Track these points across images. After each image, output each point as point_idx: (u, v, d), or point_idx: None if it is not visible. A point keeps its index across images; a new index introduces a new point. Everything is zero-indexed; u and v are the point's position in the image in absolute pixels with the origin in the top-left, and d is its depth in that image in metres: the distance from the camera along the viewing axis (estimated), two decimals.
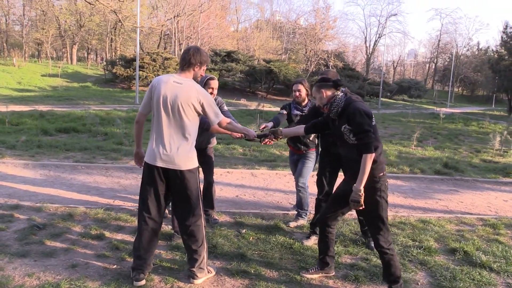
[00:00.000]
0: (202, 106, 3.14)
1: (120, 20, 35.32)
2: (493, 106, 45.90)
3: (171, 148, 3.12)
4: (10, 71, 31.27)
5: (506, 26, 34.13)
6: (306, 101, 4.78)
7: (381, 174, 3.17)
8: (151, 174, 3.20)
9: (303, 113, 4.72)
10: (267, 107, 23.42)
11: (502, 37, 35.01)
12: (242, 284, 3.38)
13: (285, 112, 4.85)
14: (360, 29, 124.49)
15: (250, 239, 4.29)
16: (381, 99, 36.50)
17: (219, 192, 6.26)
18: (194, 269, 3.30)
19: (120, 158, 8.28)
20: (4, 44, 43.28)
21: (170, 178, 3.20)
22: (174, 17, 38.48)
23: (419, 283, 3.57)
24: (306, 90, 4.73)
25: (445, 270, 3.80)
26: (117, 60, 31.89)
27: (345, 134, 3.18)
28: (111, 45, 45.29)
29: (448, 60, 63.05)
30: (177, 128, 3.13)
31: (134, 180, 6.69)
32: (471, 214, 5.81)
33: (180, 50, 39.65)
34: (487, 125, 19.41)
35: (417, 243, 4.44)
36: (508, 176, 8.29)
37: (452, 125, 19.39)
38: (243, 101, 28.22)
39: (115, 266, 3.55)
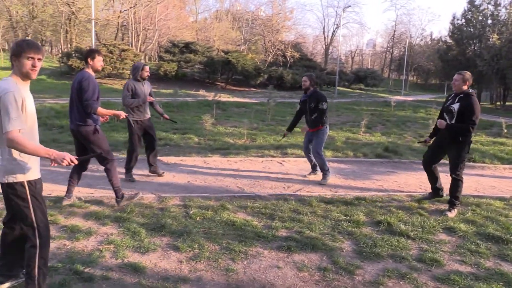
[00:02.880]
0: None
1: (73, 12, 34.41)
2: (445, 93, 48.00)
3: None
4: None
5: (454, 17, 35.89)
6: (311, 89, 6.49)
7: None
8: None
9: (306, 99, 6.51)
10: (225, 98, 23.77)
11: (450, 28, 36.78)
12: (186, 257, 3.76)
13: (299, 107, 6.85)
14: (318, 19, 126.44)
15: (197, 219, 4.67)
16: (338, 88, 37.51)
17: (171, 178, 6.59)
18: None
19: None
20: None
21: None
22: (130, 8, 37.86)
23: (344, 250, 4.07)
24: (310, 81, 6.46)
25: (368, 239, 4.33)
26: (73, 52, 31.08)
27: None
28: (66, 36, 44.01)
29: (403, 50, 65.10)
30: None
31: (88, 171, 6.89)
32: (403, 191, 6.42)
33: (138, 41, 39.12)
34: (433, 111, 20.52)
35: (348, 217, 4.95)
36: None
37: (402, 112, 20.38)
38: (201, 92, 28.36)
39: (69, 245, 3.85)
